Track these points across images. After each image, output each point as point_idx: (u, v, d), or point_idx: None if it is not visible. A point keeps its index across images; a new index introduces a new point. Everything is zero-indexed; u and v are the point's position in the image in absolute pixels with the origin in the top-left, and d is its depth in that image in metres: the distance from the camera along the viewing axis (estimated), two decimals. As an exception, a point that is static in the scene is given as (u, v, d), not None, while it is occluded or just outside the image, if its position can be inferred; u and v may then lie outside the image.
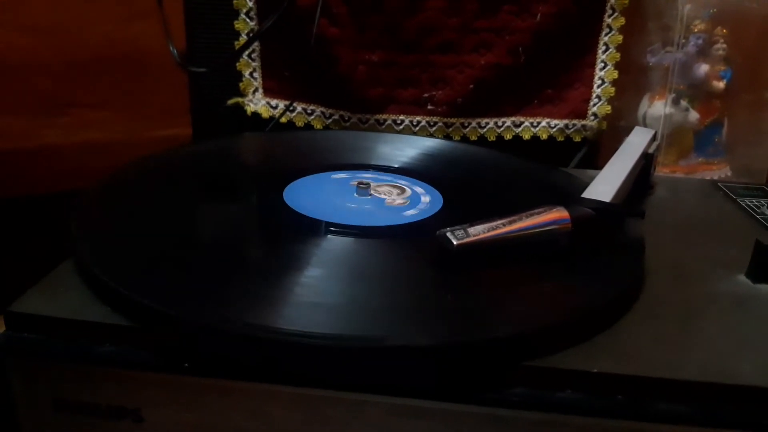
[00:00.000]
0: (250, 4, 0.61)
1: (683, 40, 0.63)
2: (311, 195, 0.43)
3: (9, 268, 0.52)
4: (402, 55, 0.63)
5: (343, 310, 0.30)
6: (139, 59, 0.74)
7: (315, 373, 0.28)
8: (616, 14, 0.62)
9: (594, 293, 0.33)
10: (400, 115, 0.64)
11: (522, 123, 0.65)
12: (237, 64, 0.63)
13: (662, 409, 0.28)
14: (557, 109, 0.64)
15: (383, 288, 0.33)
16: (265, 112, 0.64)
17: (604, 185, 0.41)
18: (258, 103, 0.64)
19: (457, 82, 0.63)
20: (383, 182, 0.46)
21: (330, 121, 0.64)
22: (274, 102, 0.64)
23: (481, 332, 0.29)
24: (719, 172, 0.66)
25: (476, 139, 0.65)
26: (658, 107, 0.65)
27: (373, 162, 0.50)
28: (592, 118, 0.64)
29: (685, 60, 0.63)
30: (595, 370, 0.28)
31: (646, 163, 0.50)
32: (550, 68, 0.64)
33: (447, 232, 0.34)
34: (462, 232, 0.34)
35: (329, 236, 0.37)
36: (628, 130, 0.54)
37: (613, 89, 0.64)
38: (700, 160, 0.66)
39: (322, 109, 0.64)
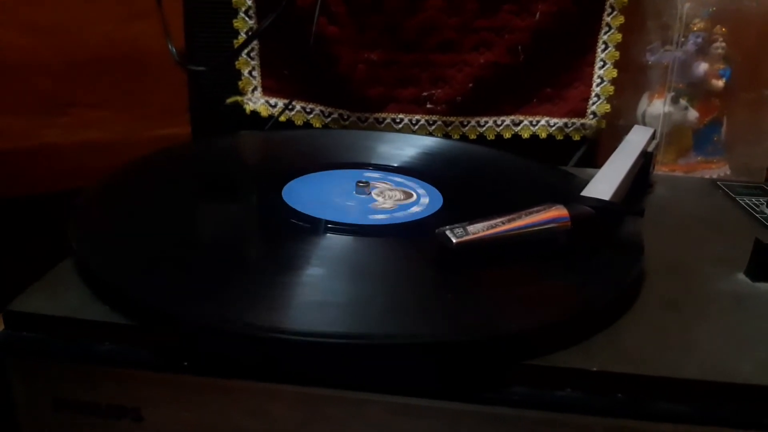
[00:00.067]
0: (249, 2, 0.61)
1: (682, 39, 0.63)
2: (310, 194, 0.43)
3: (9, 267, 0.52)
4: (401, 54, 0.63)
5: (342, 309, 0.30)
6: (139, 59, 0.74)
7: (315, 372, 0.28)
8: (615, 13, 0.62)
9: (593, 292, 0.33)
10: (399, 113, 0.64)
11: (521, 122, 0.65)
12: (236, 62, 0.63)
13: (662, 407, 0.28)
14: (556, 108, 0.65)
15: (382, 287, 0.33)
16: (264, 111, 0.64)
17: (604, 184, 0.41)
18: (257, 102, 0.64)
19: (456, 81, 0.63)
20: (381, 181, 0.46)
21: (329, 119, 0.64)
22: (273, 101, 0.64)
23: (480, 331, 0.29)
24: (718, 170, 0.66)
25: (475, 137, 0.65)
26: (657, 106, 0.65)
27: (373, 161, 0.50)
28: (592, 116, 0.64)
29: (685, 58, 0.63)
30: (595, 369, 0.28)
31: (645, 161, 0.50)
32: (550, 67, 0.64)
33: (446, 230, 0.34)
34: (461, 230, 0.34)
35: (328, 235, 0.37)
36: (627, 129, 0.54)
37: (612, 88, 0.64)
38: (699, 158, 0.66)
39: (321, 107, 0.64)
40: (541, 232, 0.35)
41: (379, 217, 0.40)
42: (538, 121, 0.65)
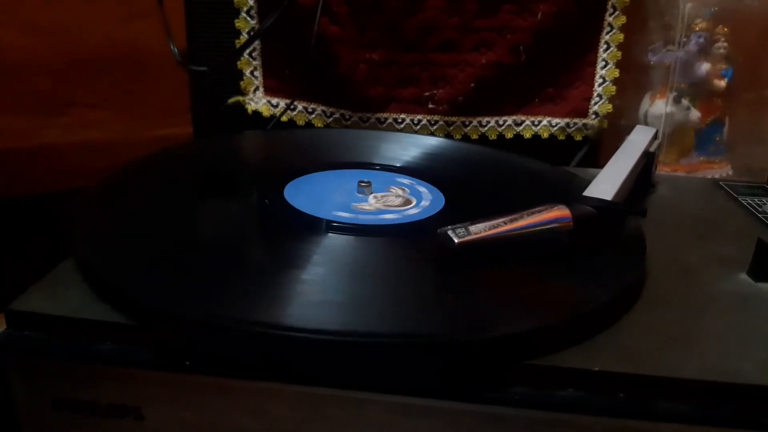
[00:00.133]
0: (251, 2, 0.61)
1: (684, 39, 0.63)
2: (312, 193, 0.43)
3: (9, 267, 0.52)
4: (402, 54, 0.63)
5: (343, 309, 0.30)
6: (140, 59, 0.74)
7: (315, 371, 0.28)
8: (617, 13, 0.62)
9: (595, 292, 0.33)
10: (401, 113, 0.64)
11: (523, 122, 0.65)
12: (238, 62, 0.63)
13: (663, 407, 0.28)
14: (558, 108, 0.64)
15: (384, 286, 0.33)
16: (266, 111, 0.64)
17: (606, 184, 0.41)
18: (259, 102, 0.64)
19: (457, 81, 0.63)
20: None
21: (331, 119, 0.64)
22: (275, 101, 0.64)
23: (482, 331, 0.29)
24: (720, 170, 0.66)
25: (477, 137, 0.65)
26: (659, 106, 0.65)
27: (375, 161, 0.50)
28: (593, 116, 0.64)
29: (687, 58, 0.63)
30: (597, 369, 0.28)
31: (647, 161, 0.50)
32: (551, 67, 0.64)
33: (448, 230, 0.34)
34: (463, 230, 0.34)
35: (330, 234, 0.37)
36: (629, 129, 0.54)
37: (614, 88, 0.64)
38: (701, 158, 0.66)
39: (323, 107, 0.64)
40: (543, 232, 0.35)
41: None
42: (539, 121, 0.65)
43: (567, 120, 0.64)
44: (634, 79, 0.65)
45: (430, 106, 0.64)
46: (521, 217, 0.35)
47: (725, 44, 0.63)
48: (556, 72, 0.64)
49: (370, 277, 0.34)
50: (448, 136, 0.65)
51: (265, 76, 0.63)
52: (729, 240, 0.42)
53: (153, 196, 0.43)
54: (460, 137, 0.65)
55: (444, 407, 0.28)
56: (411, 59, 0.63)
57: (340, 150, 0.53)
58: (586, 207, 0.36)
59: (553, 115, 0.65)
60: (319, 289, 0.32)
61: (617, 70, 0.63)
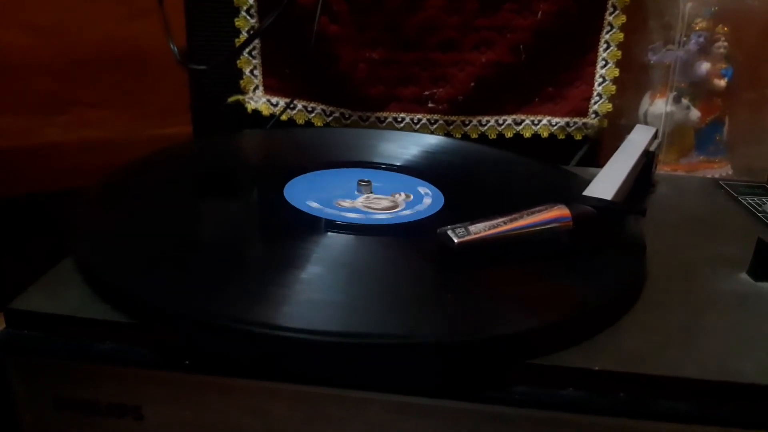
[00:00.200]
0: (251, 1, 0.61)
1: (684, 38, 0.63)
2: (312, 192, 0.43)
3: (9, 265, 0.52)
4: (402, 53, 0.63)
5: (343, 308, 0.30)
6: (139, 58, 0.74)
7: (315, 370, 0.28)
8: (617, 12, 0.62)
9: (595, 291, 0.33)
10: (401, 113, 0.64)
11: (523, 121, 0.65)
12: (237, 61, 0.63)
13: (664, 407, 0.28)
14: (558, 107, 0.64)
15: (384, 286, 0.33)
16: (266, 110, 0.64)
17: (606, 183, 0.41)
18: (258, 101, 0.64)
19: (457, 80, 0.63)
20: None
21: (331, 118, 0.64)
22: (274, 100, 0.64)
23: (482, 330, 0.29)
24: (720, 170, 0.66)
25: (477, 137, 0.65)
26: (659, 105, 0.65)
27: (374, 159, 0.50)
28: (593, 116, 0.64)
29: (687, 58, 0.63)
30: (597, 368, 0.28)
31: (647, 161, 0.50)
32: (551, 66, 0.63)
33: (448, 230, 0.34)
34: (463, 230, 0.34)
35: (330, 234, 0.37)
36: (629, 128, 0.54)
37: (614, 87, 0.63)
38: (701, 158, 0.66)
39: (323, 106, 0.64)
40: (543, 232, 0.35)
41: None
42: (539, 121, 0.65)
43: (567, 119, 0.64)
44: (634, 79, 0.65)
45: (430, 105, 0.64)
46: (521, 217, 0.35)
47: (725, 44, 0.63)
48: (556, 71, 0.64)
49: (370, 276, 0.34)
50: (447, 135, 0.65)
51: (264, 75, 0.63)
52: (729, 239, 0.42)
53: (153, 195, 0.43)
54: (459, 136, 0.65)
55: (444, 407, 0.28)
56: (411, 58, 0.63)
57: (339, 149, 0.53)
58: (586, 207, 0.36)
59: (553, 114, 0.65)
60: (319, 288, 0.32)
61: (617, 70, 0.63)
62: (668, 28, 0.64)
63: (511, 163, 0.53)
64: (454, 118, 0.64)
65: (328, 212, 0.40)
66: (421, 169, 0.48)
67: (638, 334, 0.31)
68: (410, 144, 0.54)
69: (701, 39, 0.63)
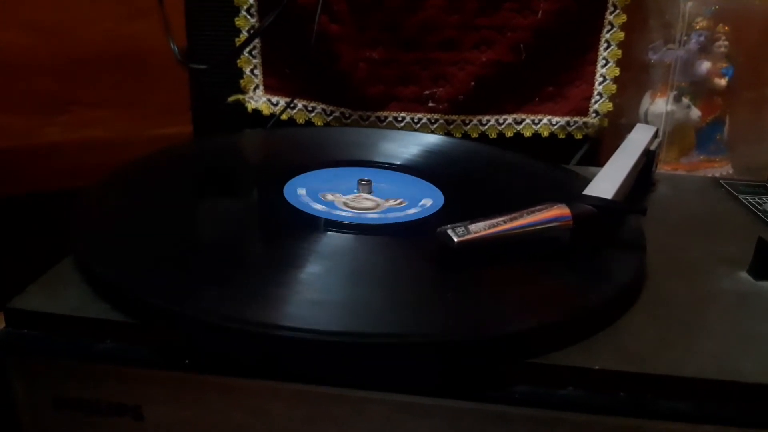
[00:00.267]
0: (251, 1, 0.61)
1: (685, 38, 0.63)
2: (312, 192, 0.43)
3: (9, 265, 0.52)
4: (403, 52, 0.63)
5: (344, 308, 0.30)
6: (140, 57, 0.74)
7: (315, 370, 0.28)
8: (617, 11, 0.62)
9: (595, 290, 0.33)
10: (401, 112, 0.64)
11: (523, 120, 0.65)
12: (238, 61, 0.63)
13: (664, 406, 0.28)
14: (558, 107, 0.64)
15: (384, 285, 0.33)
16: (266, 110, 0.64)
17: (606, 182, 0.41)
18: (259, 101, 0.64)
19: (458, 80, 0.63)
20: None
21: (331, 118, 0.64)
22: (274, 99, 0.64)
23: (482, 330, 0.29)
24: (721, 169, 0.66)
25: (477, 136, 0.65)
26: (659, 104, 0.65)
27: (375, 159, 0.50)
28: (594, 115, 0.64)
29: (687, 57, 0.63)
30: (597, 368, 0.28)
31: (647, 160, 0.50)
32: (552, 65, 0.63)
33: (448, 229, 0.34)
34: (463, 229, 0.34)
35: (330, 233, 0.37)
36: (629, 128, 0.54)
37: (614, 86, 0.63)
38: (701, 157, 0.66)
39: (323, 106, 0.64)
40: (543, 231, 0.35)
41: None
42: (540, 120, 0.65)
43: (567, 118, 0.64)
44: (634, 78, 0.65)
45: (430, 104, 0.64)
46: (521, 216, 0.35)
47: (726, 43, 0.63)
48: (557, 70, 0.64)
49: (370, 275, 0.34)
50: (448, 134, 0.65)
51: (265, 74, 0.63)
52: (729, 239, 0.42)
53: (153, 194, 0.43)
54: (460, 136, 0.65)
55: (444, 406, 0.28)
56: (411, 58, 0.63)
57: (340, 148, 0.53)
58: (586, 206, 0.36)
59: (554, 113, 0.65)
60: (319, 287, 0.32)
61: (618, 69, 0.63)
62: (669, 27, 0.64)
63: (511, 163, 0.53)
64: (454, 117, 0.64)
65: (323, 210, 0.40)
66: (421, 168, 0.48)
67: (638, 333, 0.31)
68: (410, 143, 0.54)
69: (702, 38, 0.63)
